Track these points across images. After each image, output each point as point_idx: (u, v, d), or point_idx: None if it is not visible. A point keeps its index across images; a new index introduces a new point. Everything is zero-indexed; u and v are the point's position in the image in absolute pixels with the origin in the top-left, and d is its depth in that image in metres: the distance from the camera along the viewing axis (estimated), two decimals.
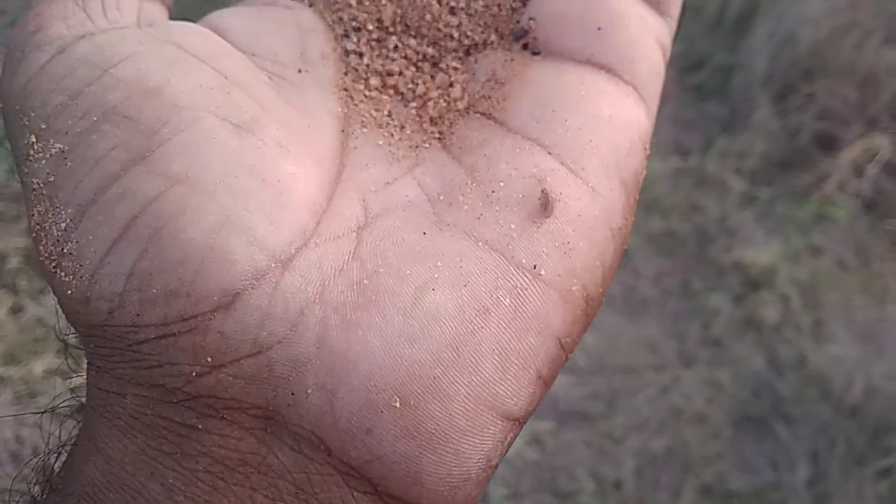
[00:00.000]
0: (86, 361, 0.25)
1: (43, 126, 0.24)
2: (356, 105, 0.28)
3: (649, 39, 0.28)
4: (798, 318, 1.36)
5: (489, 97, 0.29)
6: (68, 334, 0.27)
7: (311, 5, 0.30)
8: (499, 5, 0.30)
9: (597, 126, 0.26)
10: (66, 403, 0.28)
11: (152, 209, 0.23)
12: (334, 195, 0.25)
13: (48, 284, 0.24)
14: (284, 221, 0.23)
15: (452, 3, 0.30)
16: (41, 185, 0.24)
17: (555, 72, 0.28)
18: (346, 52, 0.30)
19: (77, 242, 0.23)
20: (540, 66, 0.28)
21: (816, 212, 1.59)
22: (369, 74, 0.30)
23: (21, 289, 1.00)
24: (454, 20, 0.30)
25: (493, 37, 0.30)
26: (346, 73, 0.29)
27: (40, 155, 0.24)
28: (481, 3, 0.30)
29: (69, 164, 0.23)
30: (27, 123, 0.24)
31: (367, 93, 0.29)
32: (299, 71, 0.28)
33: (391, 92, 0.30)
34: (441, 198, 0.26)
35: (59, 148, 0.24)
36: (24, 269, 1.02)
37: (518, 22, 0.30)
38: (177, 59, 0.25)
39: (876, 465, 1.14)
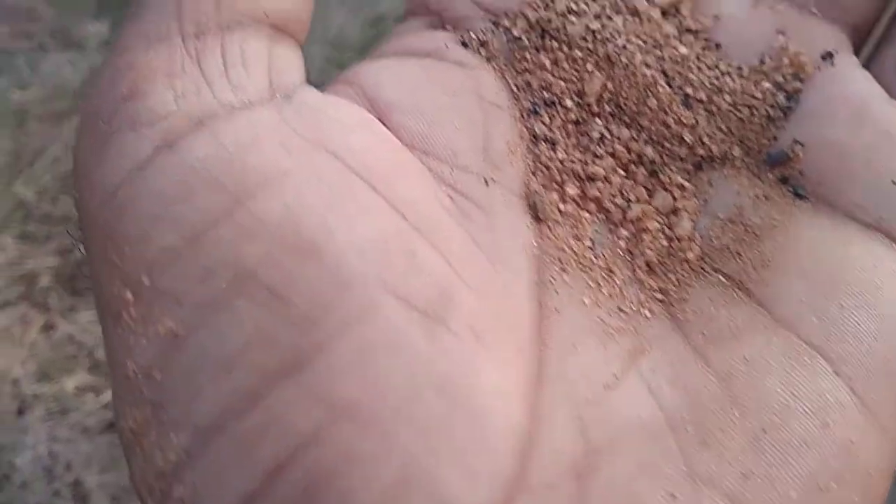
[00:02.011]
0: None
1: (145, 279, 0.16)
2: (550, 229, 0.20)
3: None
4: None
5: (738, 254, 0.20)
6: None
7: (488, 59, 0.22)
8: (751, 108, 0.22)
9: (894, 335, 0.19)
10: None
11: (307, 456, 0.15)
12: (542, 408, 0.17)
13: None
14: (484, 470, 0.16)
15: (688, 90, 0.22)
16: (140, 378, 0.16)
17: (834, 236, 0.20)
18: (534, 138, 0.21)
19: (194, 488, 0.15)
20: (812, 222, 0.20)
21: None
22: (564, 177, 0.21)
23: (52, 307, 0.95)
24: (688, 115, 0.22)
25: (737, 151, 0.22)
26: (534, 173, 0.21)
27: (140, 328, 0.16)
28: (727, 99, 0.22)
29: (184, 359, 0.15)
30: (117, 261, 0.16)
31: (561, 206, 0.21)
32: (485, 181, 0.20)
33: (592, 207, 0.21)
34: (689, 428, 0.18)
35: (170, 328, 0.15)
36: (55, 288, 0.97)
37: (775, 138, 0.21)
38: (339, 185, 0.17)
39: None
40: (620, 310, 0.20)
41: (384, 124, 0.19)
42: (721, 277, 0.20)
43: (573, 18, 0.22)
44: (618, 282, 0.20)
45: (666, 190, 0.22)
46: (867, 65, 0.22)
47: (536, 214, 0.21)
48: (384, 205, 0.17)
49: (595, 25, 0.22)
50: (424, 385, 0.15)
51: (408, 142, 0.19)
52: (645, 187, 0.22)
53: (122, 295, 0.16)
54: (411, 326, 0.16)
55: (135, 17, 0.18)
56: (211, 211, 0.16)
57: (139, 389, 0.15)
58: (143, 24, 0.18)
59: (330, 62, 1.21)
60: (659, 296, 0.20)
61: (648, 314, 0.20)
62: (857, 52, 0.23)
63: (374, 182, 0.17)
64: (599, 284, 0.20)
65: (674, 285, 0.21)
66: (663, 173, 0.22)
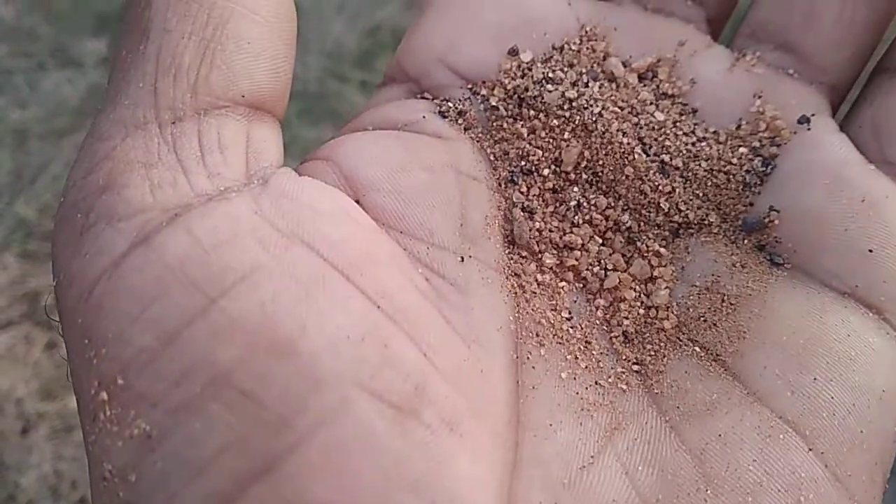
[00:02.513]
0: None
1: (120, 381, 0.16)
2: (528, 301, 0.21)
3: None
4: None
5: (714, 324, 0.20)
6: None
7: (466, 129, 0.22)
8: (727, 174, 0.22)
9: (869, 408, 0.19)
10: None
11: None
12: (517, 494, 0.17)
13: None
14: None
15: (665, 157, 0.22)
16: (115, 480, 0.16)
17: (809, 306, 0.20)
18: (512, 207, 0.22)
19: None
20: (788, 291, 0.20)
21: None
22: (542, 246, 0.22)
23: (55, 326, 0.95)
24: (664, 182, 0.22)
25: (714, 217, 0.22)
26: (512, 243, 0.21)
27: (115, 429, 0.16)
28: (704, 165, 0.22)
29: (158, 462, 0.15)
30: (94, 362, 0.16)
31: (539, 277, 0.21)
32: (461, 259, 0.20)
33: (570, 276, 0.22)
34: None
35: (144, 429, 0.15)
36: None
37: (751, 205, 0.22)
38: (313, 279, 0.17)
39: None
40: (598, 383, 0.20)
41: (360, 203, 0.20)
42: (697, 349, 0.20)
43: (550, 87, 0.22)
44: (595, 354, 0.21)
45: (643, 257, 0.22)
46: (844, 125, 0.22)
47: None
48: (358, 296, 0.17)
49: (572, 93, 0.22)
50: (397, 484, 0.16)
51: (384, 221, 0.20)
52: (622, 255, 0.22)
53: (98, 395, 0.16)
54: (384, 423, 0.16)
55: (111, 104, 0.18)
56: (186, 310, 0.16)
57: (115, 491, 0.16)
58: (120, 111, 0.18)
59: (327, 72, 1.21)
60: (636, 367, 0.21)
61: (625, 387, 0.20)
62: (835, 111, 0.23)
63: (349, 272, 0.17)
64: (577, 357, 0.20)
65: (651, 356, 0.21)
66: (640, 241, 0.22)
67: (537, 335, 0.20)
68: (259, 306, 0.16)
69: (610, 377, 0.20)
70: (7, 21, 1.24)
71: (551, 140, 0.22)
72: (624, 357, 0.21)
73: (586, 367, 0.20)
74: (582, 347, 0.21)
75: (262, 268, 0.16)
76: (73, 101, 1.16)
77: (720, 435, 0.19)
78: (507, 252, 0.21)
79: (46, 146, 1.12)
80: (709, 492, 0.18)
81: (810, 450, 0.19)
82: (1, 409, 0.92)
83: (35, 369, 0.95)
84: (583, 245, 0.22)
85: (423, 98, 0.23)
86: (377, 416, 0.16)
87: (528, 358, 0.20)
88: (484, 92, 0.23)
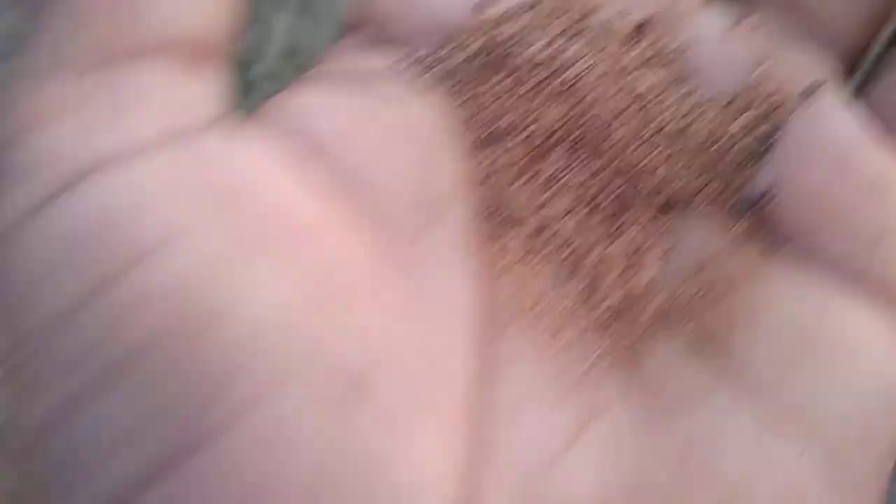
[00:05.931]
0: None
1: (28, 347, 0.14)
2: (497, 277, 0.18)
3: None
4: None
5: (703, 308, 0.18)
6: None
7: (435, 84, 0.20)
8: (724, 147, 0.20)
9: (873, 405, 0.17)
10: None
11: None
12: (480, 485, 0.15)
13: None
14: None
15: (655, 125, 0.20)
16: (28, 448, 0.14)
17: (809, 292, 0.18)
18: (484, 175, 0.19)
19: None
20: (785, 276, 0.18)
21: None
22: (516, 217, 0.19)
23: None
24: (655, 152, 0.20)
25: (707, 193, 0.20)
26: (481, 213, 0.19)
27: (27, 396, 0.14)
28: (698, 136, 0.20)
29: (64, 440, 0.13)
30: (5, 322, 0.14)
31: (511, 250, 0.19)
32: (423, 227, 0.18)
33: (546, 250, 0.19)
34: None
35: (51, 405, 0.14)
36: None
37: (748, 181, 0.19)
38: (247, 246, 0.15)
39: None
40: (572, 368, 0.18)
41: (310, 164, 0.17)
42: (683, 334, 0.18)
43: (530, 41, 0.20)
44: (571, 335, 0.18)
45: (628, 233, 0.20)
46: (855, 98, 0.20)
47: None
48: (300, 266, 0.15)
49: (554, 50, 0.20)
50: (339, 475, 0.13)
51: (337, 184, 0.17)
52: (605, 230, 0.20)
53: (13, 357, 0.14)
54: (320, 412, 0.14)
55: (26, 50, 0.16)
56: (95, 279, 0.14)
57: (28, 461, 0.14)
58: (34, 56, 0.16)
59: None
60: (615, 352, 0.18)
61: (603, 374, 0.18)
62: (852, 72, 0.21)
63: (290, 240, 0.15)
64: (550, 338, 0.18)
65: (632, 341, 0.19)
66: (626, 215, 0.20)
67: (508, 312, 0.18)
68: (180, 276, 0.14)
69: (586, 362, 0.18)
70: None
71: (528, 101, 0.20)
72: (603, 341, 0.19)
73: (560, 351, 0.18)
74: (557, 328, 0.18)
75: (186, 232, 0.14)
76: None
77: (707, 428, 0.17)
78: (474, 222, 0.19)
79: None
80: (692, 491, 0.16)
81: (806, 448, 0.17)
82: None
83: None
84: (562, 217, 0.20)
85: (387, 48, 0.20)
86: (313, 404, 0.14)
87: (497, 337, 0.18)
88: (454, 46, 0.20)
